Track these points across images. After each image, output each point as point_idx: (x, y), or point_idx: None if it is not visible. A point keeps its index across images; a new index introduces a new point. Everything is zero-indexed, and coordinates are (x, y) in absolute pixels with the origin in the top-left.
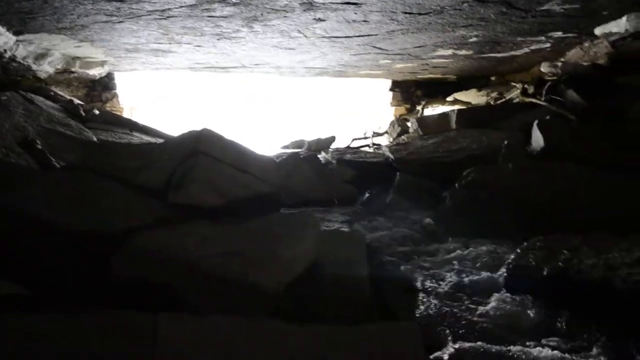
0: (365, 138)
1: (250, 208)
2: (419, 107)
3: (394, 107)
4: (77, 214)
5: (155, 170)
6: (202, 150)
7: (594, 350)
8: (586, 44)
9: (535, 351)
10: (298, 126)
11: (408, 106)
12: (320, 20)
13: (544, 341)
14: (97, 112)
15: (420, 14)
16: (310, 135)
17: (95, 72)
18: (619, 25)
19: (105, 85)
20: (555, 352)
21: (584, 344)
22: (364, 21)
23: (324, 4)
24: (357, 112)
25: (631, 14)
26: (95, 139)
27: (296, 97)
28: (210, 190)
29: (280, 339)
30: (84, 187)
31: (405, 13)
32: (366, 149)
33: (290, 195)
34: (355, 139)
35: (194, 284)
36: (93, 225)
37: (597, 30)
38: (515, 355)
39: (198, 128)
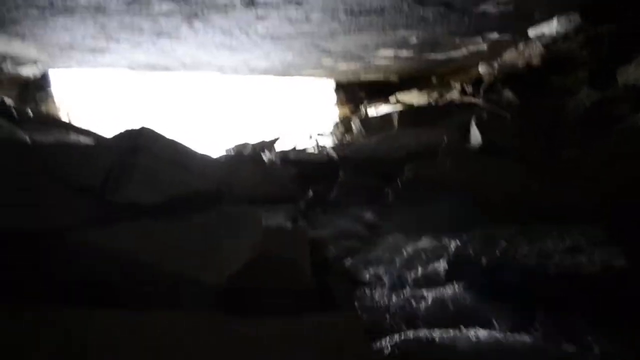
0: (310, 139)
1: (191, 206)
2: (362, 108)
3: (338, 108)
4: (9, 214)
5: (94, 168)
6: (141, 148)
7: (531, 330)
8: (521, 46)
9: (475, 334)
10: (242, 129)
11: (352, 107)
12: (261, 18)
13: (484, 325)
14: (31, 113)
15: (361, 13)
16: (254, 139)
17: (29, 72)
18: (550, 27)
19: (39, 86)
20: (494, 332)
21: (521, 325)
22: (306, 20)
23: (265, 1)
24: (302, 114)
25: (561, 16)
26: (29, 140)
27: (240, 99)
28: (149, 188)
29: (223, 332)
30: (17, 187)
31: (347, 12)
32: (310, 149)
33: (233, 193)
34: (300, 140)
35: (132, 281)
36: (26, 224)
37: (531, 32)
38: (456, 339)
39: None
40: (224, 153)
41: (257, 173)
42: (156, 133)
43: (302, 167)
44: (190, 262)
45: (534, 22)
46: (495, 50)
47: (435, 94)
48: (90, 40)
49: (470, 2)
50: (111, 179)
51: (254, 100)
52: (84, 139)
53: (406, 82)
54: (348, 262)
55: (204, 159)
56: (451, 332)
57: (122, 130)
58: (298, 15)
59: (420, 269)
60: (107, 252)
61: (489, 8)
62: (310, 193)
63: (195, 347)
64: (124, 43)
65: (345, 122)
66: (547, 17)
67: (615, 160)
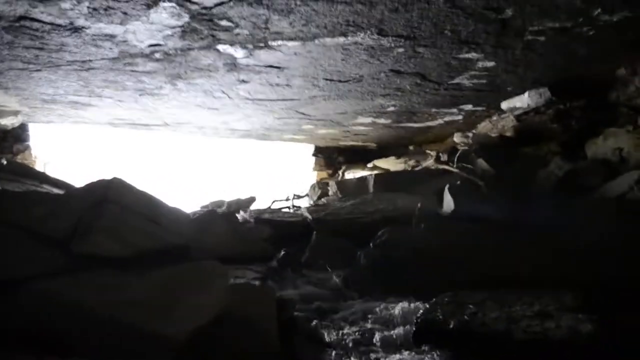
0: (287, 200)
1: (158, 259)
2: (340, 172)
3: (316, 172)
4: None
5: (62, 219)
6: (111, 199)
7: None
8: (495, 118)
9: None
10: (220, 187)
11: (330, 172)
12: (244, 81)
13: None
14: (4, 162)
15: (340, 81)
16: (231, 197)
17: (8, 122)
18: (522, 101)
19: (17, 136)
20: None
21: None
22: (287, 85)
23: (247, 65)
24: (280, 176)
25: (532, 91)
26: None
27: (219, 158)
28: (117, 240)
29: None
30: None
31: (327, 79)
32: (286, 210)
33: (203, 250)
34: (276, 201)
35: (87, 333)
36: None
37: (503, 105)
38: None
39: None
40: (198, 209)
41: (229, 231)
42: (127, 184)
43: (275, 227)
44: (150, 315)
45: (507, 95)
46: (471, 120)
47: (412, 162)
48: (73, 95)
49: (444, 75)
50: (78, 230)
51: (233, 159)
52: (57, 191)
53: (384, 148)
54: (315, 323)
55: (176, 213)
56: None
57: (93, 180)
58: (279, 80)
59: (387, 333)
60: (65, 303)
61: (463, 81)
62: (282, 253)
63: None
64: (106, 99)
65: (322, 185)
66: (519, 91)
67: (586, 228)
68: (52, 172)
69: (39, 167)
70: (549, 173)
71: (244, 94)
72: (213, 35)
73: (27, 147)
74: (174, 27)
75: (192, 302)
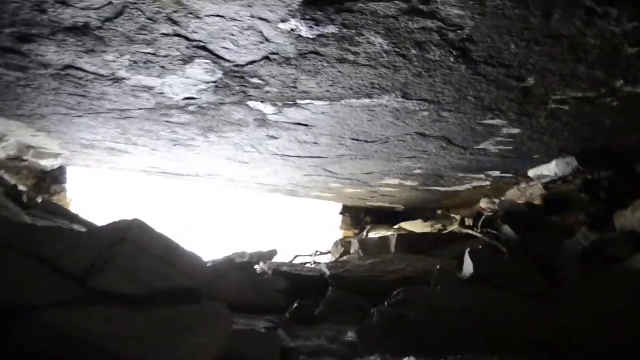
0: (309, 256)
1: (169, 300)
2: (365, 232)
3: (342, 231)
4: None
5: (80, 254)
6: (130, 238)
7: None
8: (523, 185)
9: None
10: (246, 240)
11: (357, 231)
12: (273, 137)
13: None
14: (39, 200)
15: (367, 141)
16: (255, 249)
17: (48, 164)
18: (549, 169)
19: (55, 178)
20: None
21: None
22: (315, 143)
23: (276, 122)
24: (306, 232)
25: (559, 159)
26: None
27: (248, 211)
28: (130, 278)
29: None
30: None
31: (354, 139)
32: (306, 265)
33: (216, 296)
34: (299, 256)
35: None
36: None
37: (531, 173)
38: None
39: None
40: (219, 258)
41: (244, 280)
42: (146, 226)
43: (292, 280)
44: (153, 352)
45: (534, 163)
46: (498, 187)
47: (439, 226)
48: (111, 141)
49: (470, 140)
50: (95, 266)
51: (262, 213)
52: (78, 227)
53: (411, 211)
54: None
55: (192, 257)
56: None
57: (115, 220)
58: (307, 138)
59: None
60: (72, 331)
61: (489, 147)
62: (295, 305)
63: None
64: (141, 147)
65: (345, 243)
66: (546, 159)
67: (613, 296)
68: (84, 214)
69: (72, 208)
70: (575, 242)
71: (273, 149)
72: (244, 92)
73: (64, 189)
74: (208, 82)
75: (195, 342)
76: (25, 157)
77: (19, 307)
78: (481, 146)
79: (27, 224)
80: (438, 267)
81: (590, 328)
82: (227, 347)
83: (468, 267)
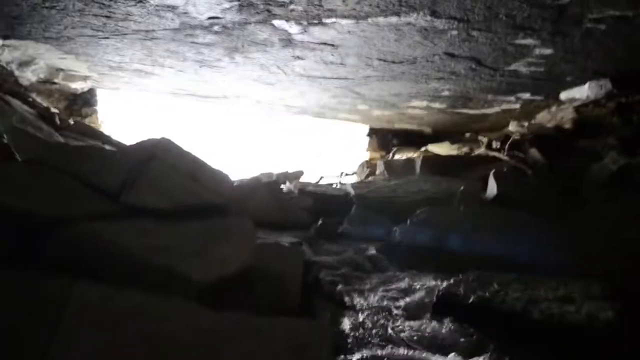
0: (335, 177)
1: (196, 215)
2: (391, 154)
3: (369, 153)
4: (25, 199)
5: (112, 171)
6: (159, 156)
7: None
8: (553, 108)
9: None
10: (273, 162)
11: (384, 153)
12: (298, 58)
13: (450, 355)
14: (72, 122)
15: (394, 62)
16: (281, 169)
17: (78, 86)
18: (581, 92)
19: (86, 100)
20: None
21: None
22: (341, 64)
23: (302, 42)
24: (333, 155)
25: (592, 82)
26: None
27: (275, 135)
28: (159, 194)
29: (190, 318)
30: (39, 178)
31: (380, 60)
32: (332, 185)
33: (242, 213)
34: (325, 177)
35: (122, 268)
36: (37, 207)
37: (562, 95)
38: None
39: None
40: (247, 178)
41: (269, 198)
42: (173, 144)
43: (317, 199)
44: (179, 259)
45: (566, 85)
46: (529, 110)
47: (466, 149)
48: (137, 63)
49: (500, 60)
50: (126, 183)
51: (288, 137)
52: (109, 148)
53: (439, 134)
54: (339, 287)
55: (219, 175)
56: (414, 354)
57: (143, 139)
58: (333, 59)
59: (409, 302)
60: (104, 240)
61: (520, 68)
62: (320, 222)
63: (161, 327)
64: (168, 69)
65: (370, 165)
66: (579, 82)
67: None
68: (115, 136)
69: (103, 130)
70: (602, 166)
71: (299, 70)
72: (269, 10)
73: (94, 111)
74: (231, 1)
75: (221, 253)
76: (55, 80)
77: (56, 219)
78: (512, 67)
79: (61, 143)
80: (462, 188)
81: (608, 252)
82: (252, 258)
83: (492, 188)
